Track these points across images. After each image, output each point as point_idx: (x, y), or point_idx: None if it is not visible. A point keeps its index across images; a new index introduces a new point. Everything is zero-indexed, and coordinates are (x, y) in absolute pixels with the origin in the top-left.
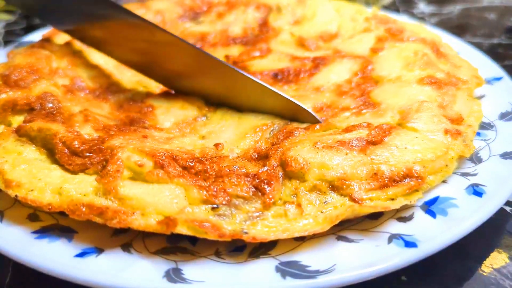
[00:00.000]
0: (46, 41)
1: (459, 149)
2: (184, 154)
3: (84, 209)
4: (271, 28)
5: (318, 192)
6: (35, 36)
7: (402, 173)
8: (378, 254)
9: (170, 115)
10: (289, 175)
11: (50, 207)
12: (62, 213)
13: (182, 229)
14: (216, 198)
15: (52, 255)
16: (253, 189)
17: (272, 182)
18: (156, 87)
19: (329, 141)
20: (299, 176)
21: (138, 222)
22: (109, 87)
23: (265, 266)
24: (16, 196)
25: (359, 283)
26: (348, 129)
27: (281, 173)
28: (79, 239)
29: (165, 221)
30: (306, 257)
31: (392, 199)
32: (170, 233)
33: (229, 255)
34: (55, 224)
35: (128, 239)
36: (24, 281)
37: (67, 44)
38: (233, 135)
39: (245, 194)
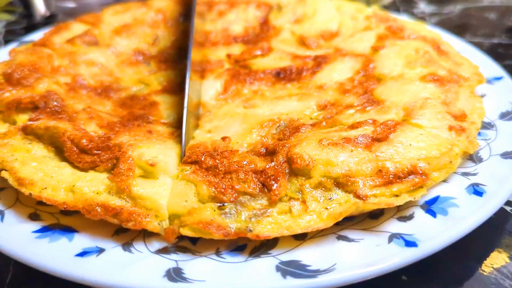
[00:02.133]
0: (47, 40)
1: (463, 145)
2: (197, 147)
3: (99, 210)
4: (271, 26)
5: (323, 188)
6: (36, 36)
7: (406, 169)
8: (378, 253)
9: (174, 110)
10: (295, 172)
11: (66, 206)
12: (63, 212)
13: (187, 232)
14: (224, 195)
15: (53, 255)
16: (260, 186)
17: (278, 179)
18: (158, 84)
19: (334, 138)
20: (305, 173)
21: (152, 224)
22: (110, 85)
23: (265, 265)
24: (30, 194)
25: (359, 283)
26: (353, 126)
27: (287, 170)
28: (80, 238)
29: (168, 230)
30: (307, 256)
31: (397, 196)
32: None
33: (230, 254)
34: (56, 223)
35: (129, 238)
36: (25, 280)
37: (68, 43)
38: (240, 129)
39: (252, 191)
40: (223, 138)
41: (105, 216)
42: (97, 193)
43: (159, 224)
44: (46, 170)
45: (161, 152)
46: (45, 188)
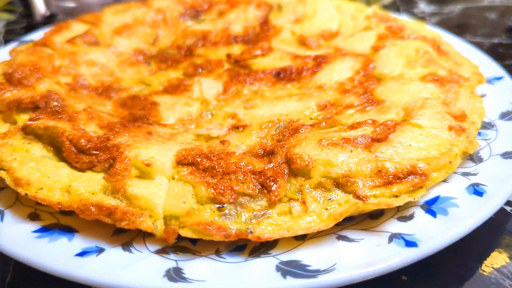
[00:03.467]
0: (47, 40)
1: (463, 146)
2: (192, 150)
3: (93, 209)
4: (272, 26)
5: (323, 189)
6: (36, 35)
7: (406, 170)
8: (378, 253)
9: (174, 111)
10: (294, 172)
11: (60, 206)
12: (63, 212)
13: (187, 233)
14: (223, 196)
15: (53, 254)
16: (259, 187)
17: (278, 179)
18: (159, 84)
19: (334, 138)
20: (304, 173)
21: (146, 224)
22: (111, 85)
23: (265, 265)
24: (26, 194)
25: (359, 283)
26: (353, 126)
27: (286, 170)
28: (80, 238)
29: (168, 229)
30: (307, 256)
31: (396, 196)
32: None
33: (230, 254)
34: (56, 223)
35: (129, 238)
36: (24, 280)
37: (69, 42)
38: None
39: (251, 192)
40: (222, 142)
41: (99, 216)
42: (93, 193)
43: (153, 223)
44: (43, 170)
45: (158, 152)
46: (41, 188)
